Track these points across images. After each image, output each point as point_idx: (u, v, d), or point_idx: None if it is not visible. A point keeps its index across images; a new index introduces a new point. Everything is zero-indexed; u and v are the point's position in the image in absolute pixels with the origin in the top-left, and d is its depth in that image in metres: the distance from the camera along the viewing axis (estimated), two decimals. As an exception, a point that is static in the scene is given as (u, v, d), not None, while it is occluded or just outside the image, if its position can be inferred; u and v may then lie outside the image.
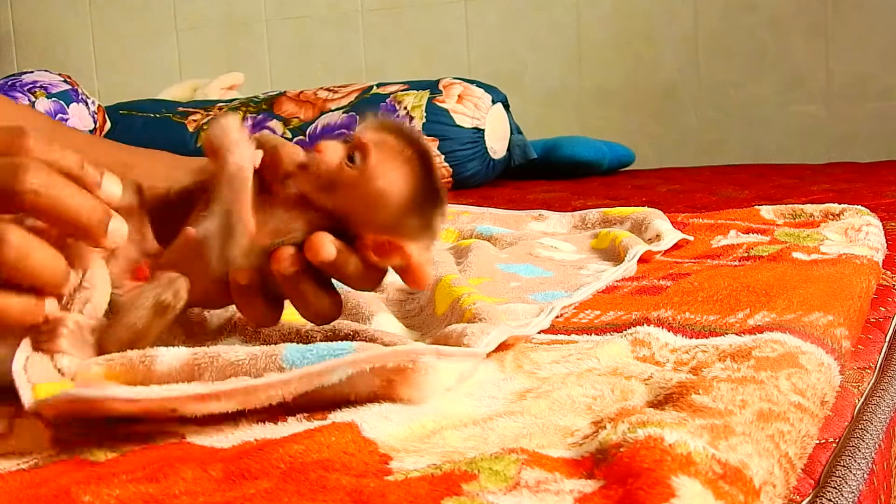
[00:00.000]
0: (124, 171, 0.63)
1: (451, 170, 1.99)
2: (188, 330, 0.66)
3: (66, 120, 2.12)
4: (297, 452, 0.45)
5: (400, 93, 2.08)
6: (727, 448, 0.43)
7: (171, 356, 0.55)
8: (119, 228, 0.53)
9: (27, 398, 0.50)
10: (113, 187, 0.54)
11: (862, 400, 0.61)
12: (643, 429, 0.44)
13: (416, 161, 0.56)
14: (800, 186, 1.68)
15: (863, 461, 0.51)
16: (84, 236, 0.52)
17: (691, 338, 0.64)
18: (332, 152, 0.55)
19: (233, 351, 0.54)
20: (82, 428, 0.51)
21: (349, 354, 0.51)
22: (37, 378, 0.52)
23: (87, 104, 2.20)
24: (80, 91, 2.22)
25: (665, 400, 0.52)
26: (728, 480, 0.40)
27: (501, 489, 0.41)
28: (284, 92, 2.21)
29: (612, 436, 0.44)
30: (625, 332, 0.65)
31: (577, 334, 0.68)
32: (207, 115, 2.19)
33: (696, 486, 0.39)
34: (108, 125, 2.25)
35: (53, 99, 2.13)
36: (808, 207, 1.14)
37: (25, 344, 0.53)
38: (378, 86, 2.14)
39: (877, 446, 0.54)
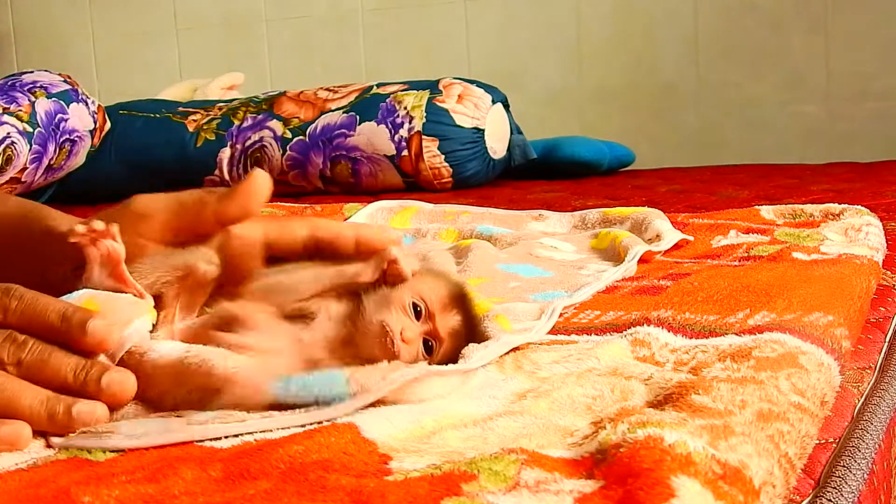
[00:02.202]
0: None
1: (451, 170, 1.99)
2: None
3: (66, 120, 2.12)
4: (296, 453, 0.45)
5: (400, 93, 2.08)
6: (727, 448, 0.43)
7: (165, 350, 0.55)
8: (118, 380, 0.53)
9: None
10: (99, 332, 0.53)
11: (862, 400, 0.61)
12: (643, 429, 0.44)
13: (465, 330, 0.61)
14: (800, 186, 1.67)
15: (863, 461, 0.51)
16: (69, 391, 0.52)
17: (691, 338, 0.64)
18: (410, 351, 0.58)
19: (226, 361, 0.55)
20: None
21: (347, 399, 0.51)
22: None
23: (87, 104, 2.19)
24: (80, 91, 2.21)
25: (665, 400, 0.52)
26: (728, 480, 0.40)
27: (501, 489, 0.41)
28: (284, 92, 2.20)
29: (612, 436, 0.44)
30: (625, 333, 0.65)
31: (577, 334, 0.68)
32: (207, 115, 2.19)
33: (696, 487, 0.39)
34: (108, 125, 2.25)
35: (53, 99, 2.12)
36: (808, 207, 1.13)
37: None
38: (378, 86, 2.14)
39: (877, 446, 0.54)
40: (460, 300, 0.61)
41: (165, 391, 0.55)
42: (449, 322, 0.60)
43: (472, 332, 0.62)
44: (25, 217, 0.67)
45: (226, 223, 0.62)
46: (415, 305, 0.59)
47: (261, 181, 0.62)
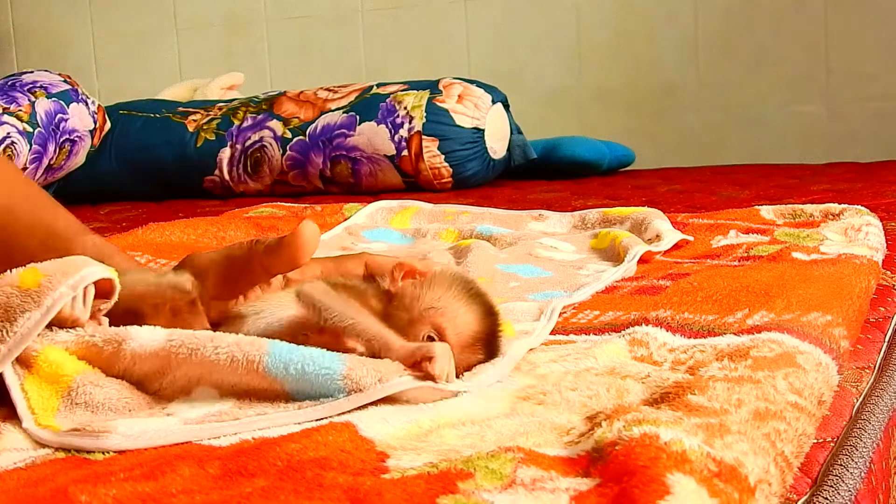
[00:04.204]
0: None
1: (451, 170, 1.99)
2: None
3: (66, 120, 2.12)
4: (294, 451, 0.45)
5: (400, 93, 2.08)
6: (722, 446, 0.43)
7: (146, 338, 0.55)
8: None
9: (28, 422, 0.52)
10: None
11: (860, 399, 0.61)
12: (638, 427, 0.44)
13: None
14: (800, 186, 1.67)
15: (860, 460, 0.50)
16: None
17: (690, 337, 0.64)
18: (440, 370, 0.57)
19: (212, 344, 0.54)
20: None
21: (341, 396, 0.51)
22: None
23: (87, 104, 2.19)
24: (80, 91, 2.22)
25: (661, 399, 0.52)
26: (723, 478, 0.40)
27: (497, 487, 0.41)
28: (284, 92, 2.21)
29: (608, 434, 0.44)
30: (623, 332, 0.65)
31: (575, 334, 0.68)
32: (207, 115, 2.19)
33: (691, 484, 0.39)
34: (107, 125, 2.25)
35: (53, 99, 2.12)
36: (808, 207, 1.13)
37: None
38: (378, 86, 2.14)
39: (875, 445, 0.54)
40: (489, 338, 0.60)
41: (148, 377, 0.55)
42: (469, 360, 0.59)
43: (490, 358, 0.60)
44: None
45: (274, 274, 0.64)
46: (430, 338, 0.58)
47: (308, 234, 0.62)
